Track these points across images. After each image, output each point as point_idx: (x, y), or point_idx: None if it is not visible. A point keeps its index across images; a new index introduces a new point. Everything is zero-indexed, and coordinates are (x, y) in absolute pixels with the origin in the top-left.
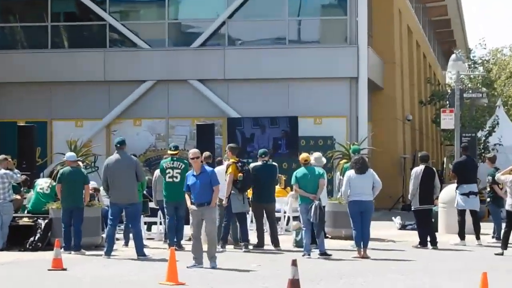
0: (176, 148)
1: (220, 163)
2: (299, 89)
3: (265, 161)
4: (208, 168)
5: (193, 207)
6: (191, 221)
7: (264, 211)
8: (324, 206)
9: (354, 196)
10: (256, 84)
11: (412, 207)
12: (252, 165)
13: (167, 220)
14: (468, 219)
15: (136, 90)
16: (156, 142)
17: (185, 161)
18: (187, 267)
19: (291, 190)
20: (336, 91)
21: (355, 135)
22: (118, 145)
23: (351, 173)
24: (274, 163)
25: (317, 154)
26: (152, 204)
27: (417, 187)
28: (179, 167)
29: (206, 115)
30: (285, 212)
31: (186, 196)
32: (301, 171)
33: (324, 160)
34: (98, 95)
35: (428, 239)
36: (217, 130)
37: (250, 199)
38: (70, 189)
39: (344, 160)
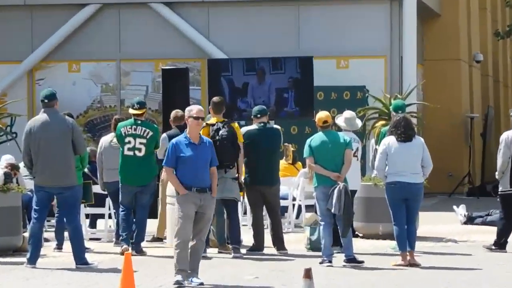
0: (141, 105)
1: None
2: (314, 16)
3: (262, 124)
4: (205, 138)
5: (186, 191)
6: (180, 214)
7: (263, 198)
8: (355, 191)
9: (395, 176)
10: (250, 10)
11: (500, 189)
12: (244, 129)
13: (121, 212)
14: None
15: (72, 19)
16: (103, 96)
17: (155, 126)
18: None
19: (304, 166)
20: (370, 19)
21: (397, 85)
22: (46, 101)
23: (389, 140)
24: (276, 125)
25: (348, 113)
26: (97, 188)
27: (509, 160)
28: (145, 134)
29: (177, 56)
30: (294, 200)
31: (171, 175)
32: (318, 138)
33: (359, 123)
34: (15, 26)
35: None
36: (193, 78)
37: (244, 180)
38: None
39: (382, 122)
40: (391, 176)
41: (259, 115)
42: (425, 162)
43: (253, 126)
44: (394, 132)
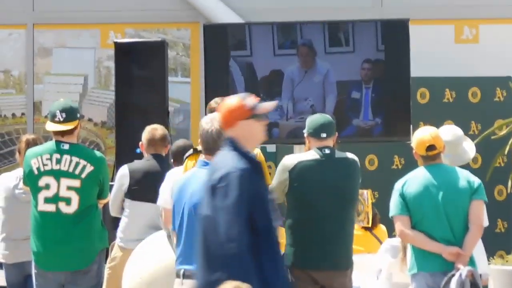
0: (70, 115)
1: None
2: None
3: (327, 151)
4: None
5: None
6: None
7: None
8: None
9: None
10: None
11: None
12: (290, 160)
13: None
14: None
15: None
16: None
17: (97, 154)
18: None
19: (390, 234)
20: None
21: None
22: None
23: None
24: (350, 154)
25: (449, 131)
26: None
27: None
28: (78, 172)
29: (144, 18)
30: None
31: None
32: (417, 179)
33: (471, 151)
34: None
35: None
36: (176, 61)
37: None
38: None
39: None
40: None
41: (323, 134)
42: None
43: (309, 155)
44: None
